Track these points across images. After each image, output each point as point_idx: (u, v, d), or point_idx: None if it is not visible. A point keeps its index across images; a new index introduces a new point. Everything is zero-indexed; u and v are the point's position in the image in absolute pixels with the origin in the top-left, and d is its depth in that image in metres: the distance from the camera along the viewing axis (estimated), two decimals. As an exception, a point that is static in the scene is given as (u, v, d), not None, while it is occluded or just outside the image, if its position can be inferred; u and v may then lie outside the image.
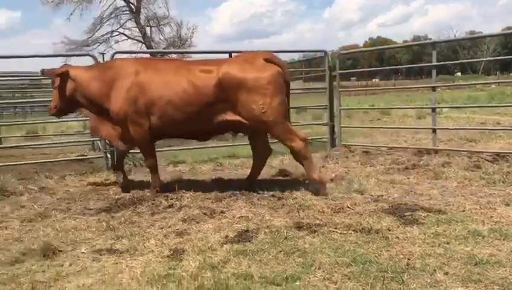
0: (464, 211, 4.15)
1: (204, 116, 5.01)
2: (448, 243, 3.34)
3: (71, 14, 25.49)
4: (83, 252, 3.51)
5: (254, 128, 5.15)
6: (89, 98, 5.25)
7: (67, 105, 5.41)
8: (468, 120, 12.29)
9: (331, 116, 8.36)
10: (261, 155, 5.60)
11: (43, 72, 5.49)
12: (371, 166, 6.44)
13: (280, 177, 5.99)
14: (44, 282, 2.97)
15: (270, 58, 5.12)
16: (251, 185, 5.36)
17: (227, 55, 8.00)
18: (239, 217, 4.19)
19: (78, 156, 8.39)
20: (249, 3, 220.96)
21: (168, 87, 4.98)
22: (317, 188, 4.96)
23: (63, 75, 5.24)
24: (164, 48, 26.38)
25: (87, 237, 3.86)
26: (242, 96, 4.91)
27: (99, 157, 7.46)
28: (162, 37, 27.52)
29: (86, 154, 8.61)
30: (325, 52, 8.34)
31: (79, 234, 3.94)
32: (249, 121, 4.98)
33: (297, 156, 5.10)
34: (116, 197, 5.16)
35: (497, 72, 72.82)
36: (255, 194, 5.02)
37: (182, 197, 4.96)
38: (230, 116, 5.03)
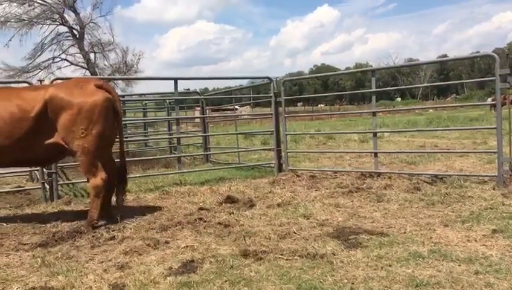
0: (405, 232, 4.26)
1: (33, 141, 4.95)
2: (390, 266, 3.39)
3: (10, 40, 24.52)
4: (15, 292, 3.28)
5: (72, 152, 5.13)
6: None
7: None
8: (408, 143, 12.80)
9: (278, 142, 8.45)
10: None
11: None
12: (316, 190, 6.52)
13: (227, 204, 5.92)
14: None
15: (101, 85, 5.15)
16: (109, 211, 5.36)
17: (172, 82, 7.98)
18: (184, 247, 4.09)
19: (14, 187, 7.95)
20: (197, 30, 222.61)
21: None
22: (87, 224, 4.93)
23: None
24: (109, 74, 25.89)
25: (20, 275, 3.61)
26: (66, 118, 4.89)
27: (37, 188, 7.09)
28: (107, 63, 27.00)
29: (23, 185, 8.18)
30: (270, 78, 8.48)
31: (11, 272, 3.69)
32: (67, 144, 4.97)
33: (91, 191, 5.10)
34: (54, 230, 4.89)
35: (434, 97, 77.10)
36: (201, 222, 4.94)
37: (124, 228, 4.79)
38: (57, 140, 4.99)
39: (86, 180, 5.16)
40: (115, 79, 26.67)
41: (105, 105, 5.00)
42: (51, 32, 25.40)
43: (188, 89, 15.74)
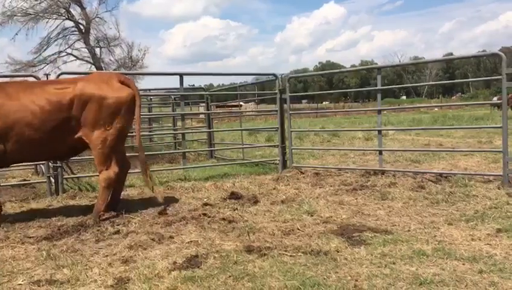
0: (409, 231, 4.26)
1: (61, 135, 4.99)
2: (394, 263, 3.40)
3: (16, 34, 24.56)
4: (20, 284, 3.30)
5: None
6: None
7: None
8: (412, 142, 12.76)
9: (282, 138, 8.45)
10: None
11: None
12: (320, 187, 6.52)
13: (231, 200, 5.93)
14: (-25, 318, 2.77)
15: (124, 81, 5.28)
16: (115, 205, 5.39)
17: (177, 77, 7.99)
18: (188, 242, 4.11)
19: (19, 181, 8.00)
20: (202, 26, 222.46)
21: (24, 109, 4.83)
22: (93, 216, 5.00)
23: None
24: (115, 69, 25.91)
25: (26, 267, 3.64)
26: (94, 112, 4.97)
27: (42, 182, 7.12)
28: (112, 58, 26.99)
29: (28, 179, 8.22)
30: (276, 75, 8.47)
31: (17, 264, 3.72)
32: (88, 136, 5.04)
33: (101, 182, 5.16)
34: (59, 224, 4.92)
35: (440, 96, 76.80)
36: (206, 217, 4.96)
37: (129, 223, 4.82)
38: (81, 134, 5.06)
39: (98, 172, 5.21)
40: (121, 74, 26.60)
41: (131, 101, 5.18)
42: (57, 26, 25.38)
43: (193, 85, 15.75)
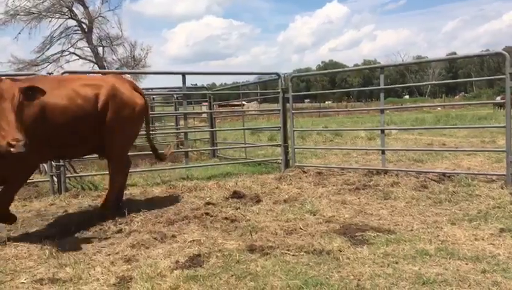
0: (411, 230, 4.25)
1: (88, 134, 4.87)
2: (397, 263, 3.39)
3: (19, 33, 24.63)
4: (23, 282, 3.31)
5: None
6: None
7: None
8: (415, 141, 12.73)
9: (285, 138, 8.44)
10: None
11: None
12: (323, 187, 6.51)
13: (234, 199, 5.93)
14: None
15: (136, 88, 5.39)
16: (117, 205, 5.43)
17: (180, 76, 7.98)
18: (191, 241, 4.11)
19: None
20: (205, 25, 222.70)
21: (64, 110, 4.59)
22: (100, 211, 5.10)
23: None
24: (117, 68, 25.94)
25: (28, 266, 3.66)
26: (122, 115, 4.95)
27: (45, 181, 7.13)
28: (115, 57, 27.05)
29: (31, 177, 8.21)
30: (278, 74, 8.46)
31: (19, 263, 3.73)
32: (108, 139, 4.95)
33: (115, 183, 5.24)
34: (62, 222, 4.93)
35: (443, 95, 76.56)
36: (208, 216, 4.96)
37: (131, 222, 4.83)
38: (102, 134, 4.96)
39: (112, 173, 5.24)
40: (123, 73, 26.72)
41: (147, 109, 5.44)
42: (60, 25, 25.48)
43: (196, 84, 15.77)
